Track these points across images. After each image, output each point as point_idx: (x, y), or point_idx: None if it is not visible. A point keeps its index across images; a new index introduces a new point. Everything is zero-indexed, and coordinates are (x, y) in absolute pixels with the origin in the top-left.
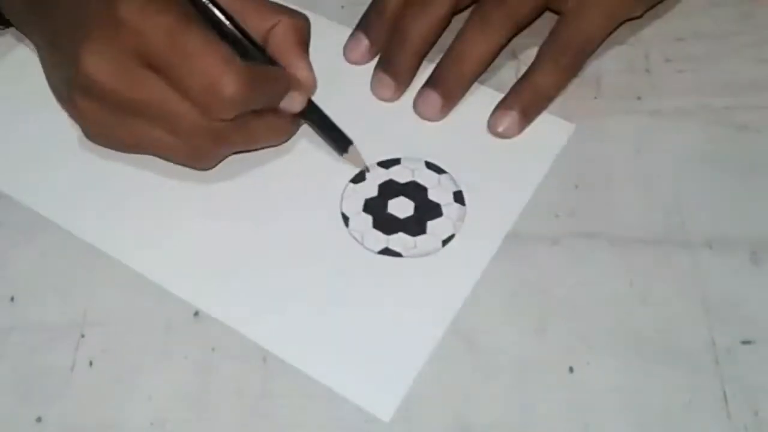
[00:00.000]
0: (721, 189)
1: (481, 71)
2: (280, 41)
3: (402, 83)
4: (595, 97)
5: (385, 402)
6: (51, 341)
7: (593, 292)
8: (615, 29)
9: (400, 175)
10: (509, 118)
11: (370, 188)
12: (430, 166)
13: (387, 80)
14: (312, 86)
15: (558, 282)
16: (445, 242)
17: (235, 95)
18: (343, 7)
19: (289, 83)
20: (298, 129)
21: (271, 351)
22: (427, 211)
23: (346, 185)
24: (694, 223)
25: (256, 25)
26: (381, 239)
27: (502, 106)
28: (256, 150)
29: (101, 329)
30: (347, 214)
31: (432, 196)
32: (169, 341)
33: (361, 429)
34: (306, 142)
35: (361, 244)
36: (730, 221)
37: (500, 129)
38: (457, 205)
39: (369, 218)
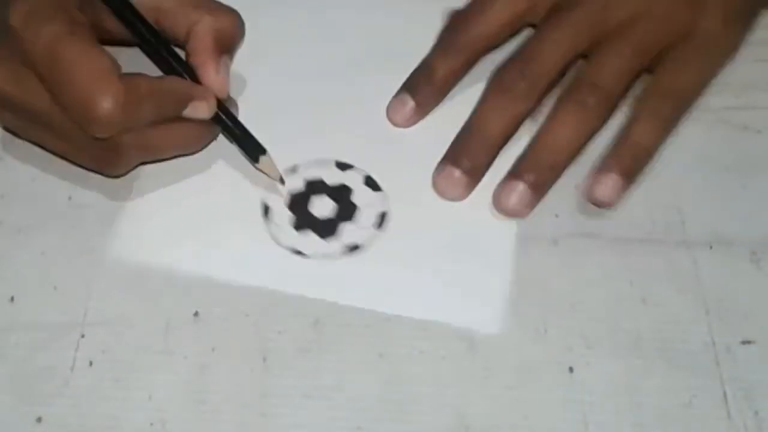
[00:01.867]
0: (721, 189)
1: (572, 162)
2: (196, 42)
3: (475, 182)
4: None
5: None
6: (51, 341)
7: (593, 292)
8: (716, 75)
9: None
10: (611, 183)
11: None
12: (369, 182)
13: (459, 176)
14: (221, 92)
15: (558, 282)
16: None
17: (109, 114)
18: None
19: (191, 92)
20: (216, 133)
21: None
22: (345, 213)
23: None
24: (694, 223)
25: (179, 22)
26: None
27: (599, 170)
28: (170, 158)
29: (101, 329)
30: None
31: (354, 199)
32: (169, 341)
33: (361, 428)
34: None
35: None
36: (730, 221)
37: (599, 196)
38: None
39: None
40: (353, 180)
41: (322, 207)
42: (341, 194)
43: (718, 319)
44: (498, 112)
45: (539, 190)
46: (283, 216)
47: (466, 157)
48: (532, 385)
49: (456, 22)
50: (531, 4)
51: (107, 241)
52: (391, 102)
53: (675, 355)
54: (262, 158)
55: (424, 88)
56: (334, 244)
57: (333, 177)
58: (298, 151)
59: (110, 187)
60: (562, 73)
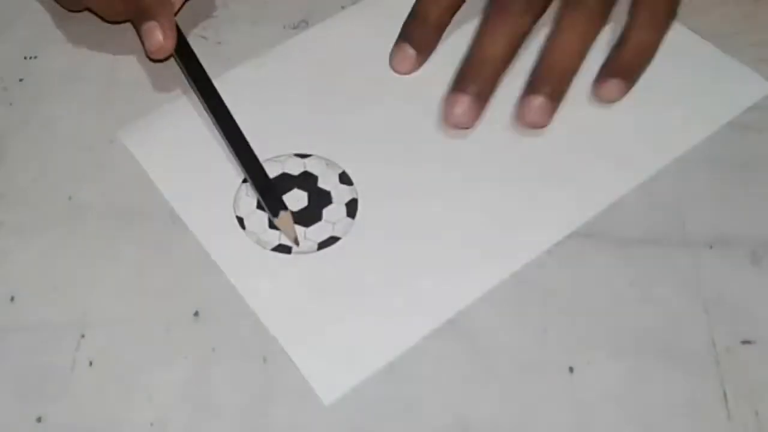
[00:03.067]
0: (721, 189)
1: (580, 66)
2: None
3: (483, 105)
4: None
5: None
6: (51, 341)
7: (593, 292)
8: None
9: (293, 167)
10: (614, 86)
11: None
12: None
13: (468, 102)
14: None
15: (558, 282)
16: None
17: None
18: (343, 7)
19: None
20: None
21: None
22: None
23: (239, 186)
24: (694, 223)
25: None
26: (275, 236)
27: (603, 72)
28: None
29: (101, 329)
30: (241, 216)
31: (322, 184)
32: (169, 341)
33: (360, 428)
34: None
35: (258, 244)
36: (730, 221)
37: (606, 96)
38: (344, 186)
39: (264, 217)
40: (340, 196)
41: (296, 200)
42: (319, 201)
43: (718, 319)
44: (500, 33)
45: (556, 98)
46: (259, 222)
47: (473, 82)
48: (532, 385)
49: None
50: None
51: None
52: (392, 52)
53: (675, 355)
54: (282, 214)
55: (420, 33)
56: (273, 234)
57: (295, 167)
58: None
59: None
60: None
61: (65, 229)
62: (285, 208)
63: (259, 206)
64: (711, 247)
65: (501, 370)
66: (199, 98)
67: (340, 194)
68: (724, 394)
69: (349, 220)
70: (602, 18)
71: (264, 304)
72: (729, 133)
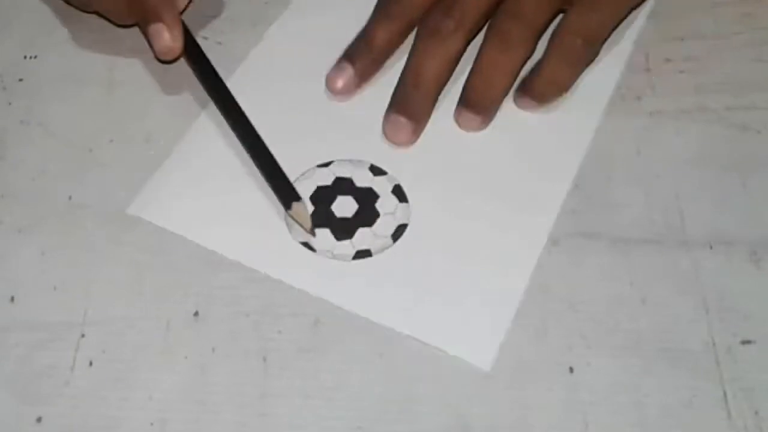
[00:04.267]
0: (721, 189)
1: (510, 87)
2: None
3: (421, 125)
4: None
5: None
6: (51, 341)
7: (593, 292)
8: (625, 16)
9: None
10: (527, 104)
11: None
12: (396, 190)
13: (404, 122)
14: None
15: (558, 282)
16: (395, 237)
17: None
18: None
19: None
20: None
21: None
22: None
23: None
24: (694, 223)
25: None
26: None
27: (518, 91)
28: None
29: (101, 329)
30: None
31: (359, 183)
32: (169, 341)
33: (361, 428)
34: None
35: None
36: (730, 221)
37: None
38: (403, 205)
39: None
40: (382, 186)
41: (345, 207)
42: (366, 198)
43: (718, 319)
44: (431, 56)
45: (486, 113)
46: (325, 240)
47: (408, 104)
48: (532, 385)
49: None
50: None
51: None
52: (330, 70)
53: (675, 355)
54: (295, 205)
55: (363, 55)
56: (346, 246)
57: (363, 180)
58: (334, 148)
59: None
60: (486, 14)
61: (65, 229)
62: (298, 198)
63: (317, 226)
64: (711, 247)
65: (501, 370)
66: (211, 97)
67: (381, 185)
68: (724, 394)
69: (405, 204)
70: (525, 48)
71: (376, 308)
72: (729, 133)
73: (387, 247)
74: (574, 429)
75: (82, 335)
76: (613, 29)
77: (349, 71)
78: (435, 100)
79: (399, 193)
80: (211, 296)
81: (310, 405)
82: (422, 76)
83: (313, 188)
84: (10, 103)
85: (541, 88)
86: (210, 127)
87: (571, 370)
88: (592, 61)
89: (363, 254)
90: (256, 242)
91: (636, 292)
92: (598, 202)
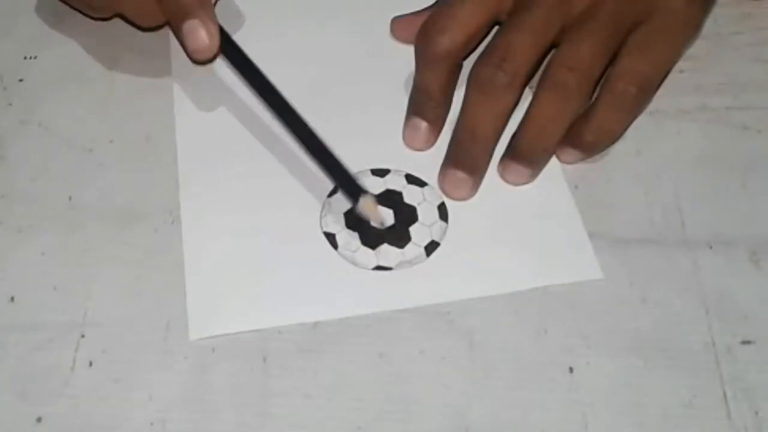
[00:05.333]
0: (721, 189)
1: (560, 137)
2: None
3: (480, 179)
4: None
5: (202, 325)
6: (51, 341)
7: (593, 292)
8: (679, 58)
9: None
10: (572, 155)
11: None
12: (409, 177)
13: (463, 177)
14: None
15: (558, 282)
16: (428, 251)
17: None
18: None
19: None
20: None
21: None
22: (406, 214)
23: (324, 200)
24: (694, 223)
25: None
26: (370, 257)
27: (564, 142)
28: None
29: (101, 329)
30: (332, 231)
31: (407, 198)
32: (169, 341)
33: (361, 428)
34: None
35: (353, 263)
36: (730, 221)
37: (563, 161)
38: (442, 223)
39: (355, 235)
40: (396, 183)
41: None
42: (392, 199)
43: (718, 319)
44: (486, 111)
45: (536, 167)
46: (351, 240)
47: (466, 159)
48: (532, 385)
49: (425, 33)
50: (498, 2)
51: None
52: (404, 130)
53: (675, 355)
54: (362, 198)
55: (428, 106)
56: (414, 249)
57: (375, 186)
58: (388, 155)
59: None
60: (538, 63)
61: (65, 229)
62: (365, 191)
63: (349, 225)
64: (711, 247)
65: (501, 370)
66: (257, 97)
67: (425, 201)
68: (724, 394)
69: (444, 223)
70: (581, 98)
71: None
72: (729, 133)
73: (445, 230)
74: (574, 429)
75: (82, 335)
76: (667, 74)
77: (423, 126)
78: (492, 154)
79: (415, 180)
80: None
81: (310, 405)
82: (478, 131)
83: (341, 218)
84: (10, 104)
85: (590, 138)
86: (199, 195)
87: (571, 370)
88: (644, 109)
89: (433, 246)
90: (330, 292)
91: (636, 292)
92: (598, 202)
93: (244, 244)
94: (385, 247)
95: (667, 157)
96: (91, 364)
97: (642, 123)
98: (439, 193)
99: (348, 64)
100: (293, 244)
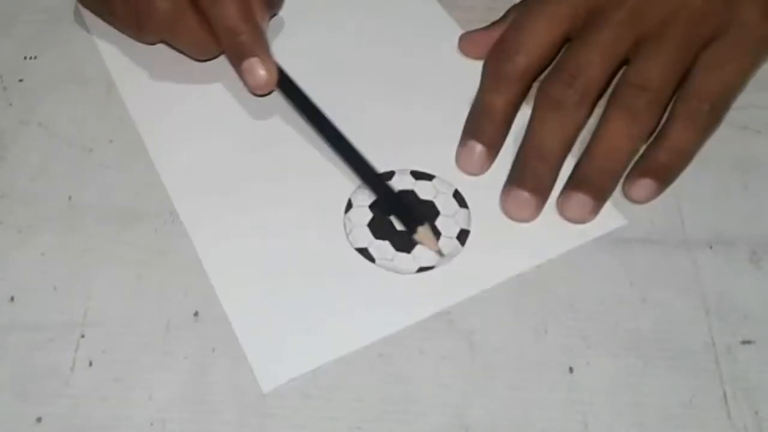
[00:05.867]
0: (721, 189)
1: (630, 164)
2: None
3: (544, 200)
4: None
5: (272, 375)
6: (51, 341)
7: (593, 292)
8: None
9: (423, 190)
10: (645, 187)
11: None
12: (456, 195)
13: (528, 198)
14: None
15: (558, 282)
16: (420, 270)
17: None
18: None
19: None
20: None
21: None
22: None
23: (343, 218)
24: (694, 223)
25: None
26: (366, 238)
27: (635, 171)
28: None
29: (101, 329)
30: (353, 201)
31: (439, 223)
32: (169, 341)
33: (361, 428)
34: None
35: (346, 235)
36: (730, 221)
37: (634, 197)
38: (456, 243)
39: (368, 215)
40: (404, 182)
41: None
42: (407, 199)
43: (718, 319)
44: (555, 130)
45: (601, 197)
46: (385, 249)
47: (532, 179)
48: (532, 385)
49: (500, 52)
50: (571, 20)
51: None
52: (458, 151)
53: (675, 355)
54: (420, 229)
55: (487, 128)
56: (448, 243)
57: (426, 192)
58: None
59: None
60: (608, 81)
61: (65, 229)
62: (422, 222)
63: (377, 236)
64: (711, 247)
65: (501, 370)
66: (310, 125)
67: (442, 196)
68: (724, 394)
69: (465, 210)
70: (651, 119)
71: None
72: (729, 133)
73: (456, 254)
74: (574, 429)
75: (82, 335)
76: (743, 86)
77: (478, 149)
78: (558, 174)
79: (459, 198)
80: (211, 296)
81: (310, 405)
82: (546, 150)
83: (372, 199)
84: (10, 104)
85: (664, 159)
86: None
87: (571, 370)
88: (717, 128)
89: (426, 269)
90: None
91: (636, 292)
92: None
93: (279, 280)
94: (419, 249)
95: None
96: (91, 364)
97: None
98: (449, 181)
99: (344, 62)
100: (327, 268)
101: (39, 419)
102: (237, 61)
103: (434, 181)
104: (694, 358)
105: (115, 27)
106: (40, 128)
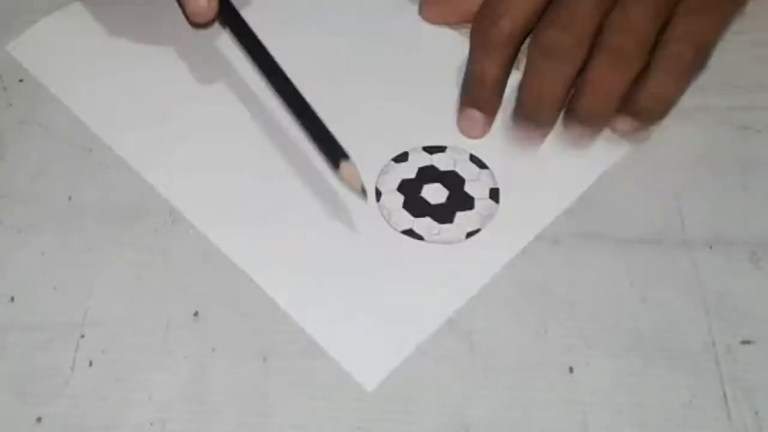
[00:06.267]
0: (721, 189)
1: (617, 106)
2: None
3: (546, 133)
4: None
5: (372, 372)
6: (51, 341)
7: (593, 292)
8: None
9: (441, 162)
10: (625, 126)
11: (409, 169)
12: (473, 159)
13: (534, 132)
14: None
15: (558, 282)
16: (469, 235)
17: None
18: None
19: None
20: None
21: (280, 303)
22: (459, 201)
23: (388, 162)
24: (694, 223)
25: None
26: (407, 219)
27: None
28: None
29: (101, 329)
30: (380, 189)
31: (468, 188)
32: (169, 341)
33: (361, 428)
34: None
35: (387, 221)
36: (730, 221)
37: (617, 128)
38: (490, 202)
39: (400, 197)
40: (462, 164)
41: (436, 193)
42: (453, 182)
43: (718, 319)
44: (552, 79)
45: (593, 133)
46: (429, 225)
47: (532, 124)
48: (532, 385)
49: (484, 18)
50: None
51: None
52: (458, 119)
53: (675, 355)
54: (344, 164)
55: (482, 95)
56: (452, 230)
57: (444, 164)
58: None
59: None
60: (599, 27)
61: (65, 229)
62: (346, 156)
63: (399, 189)
64: (711, 247)
65: (501, 370)
66: (252, 64)
67: (466, 166)
68: (724, 394)
69: (486, 170)
70: (638, 61)
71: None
72: (729, 133)
73: (494, 213)
74: (574, 429)
75: (82, 335)
76: (721, 36)
77: (477, 116)
78: (558, 115)
79: (477, 161)
80: (211, 296)
81: (310, 405)
82: (546, 96)
83: (398, 182)
84: (10, 104)
85: (645, 104)
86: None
87: (571, 370)
88: (700, 73)
89: (474, 233)
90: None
91: (636, 292)
92: (598, 202)
93: (339, 281)
94: (460, 217)
95: (667, 157)
96: (91, 364)
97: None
98: (462, 148)
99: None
100: (380, 257)
101: (39, 419)
102: None
103: (448, 151)
104: (694, 358)
105: None
106: (40, 128)
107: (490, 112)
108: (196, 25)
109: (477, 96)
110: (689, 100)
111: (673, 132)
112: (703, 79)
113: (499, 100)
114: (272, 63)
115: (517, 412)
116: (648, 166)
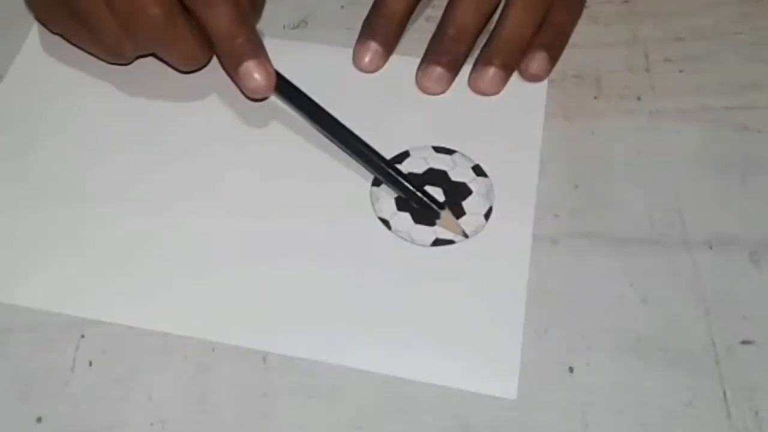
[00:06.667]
0: (721, 189)
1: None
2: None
3: (456, 74)
4: (595, 97)
5: (505, 382)
6: (51, 341)
7: (593, 292)
8: None
9: (414, 166)
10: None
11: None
12: (438, 149)
13: (443, 73)
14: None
15: (558, 282)
16: (487, 216)
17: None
18: (342, 7)
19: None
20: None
21: (360, 368)
22: (456, 192)
23: (370, 190)
24: (694, 223)
25: None
26: (428, 232)
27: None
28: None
29: (101, 329)
30: (383, 217)
31: (454, 176)
32: (169, 341)
33: (361, 428)
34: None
35: (411, 242)
36: (730, 221)
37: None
38: (480, 179)
39: (407, 215)
40: (463, 171)
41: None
42: (458, 192)
43: (718, 319)
44: (475, 10)
45: (509, 70)
46: (406, 220)
47: (449, 57)
48: (532, 385)
49: None
50: None
51: None
52: (354, 49)
53: (675, 355)
54: (443, 213)
55: (382, 28)
56: (425, 232)
57: (459, 175)
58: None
59: None
60: None
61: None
62: (443, 206)
63: (400, 207)
64: (711, 247)
65: None
66: (315, 126)
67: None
68: (724, 394)
69: (485, 179)
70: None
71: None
72: (728, 133)
73: (480, 230)
74: (574, 429)
75: (82, 335)
76: None
77: (372, 46)
78: (470, 51)
79: (478, 170)
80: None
81: (310, 405)
82: (466, 30)
83: (393, 204)
84: None
85: (550, 40)
86: None
87: (571, 370)
88: (582, 7)
89: (443, 242)
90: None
91: (636, 292)
92: (598, 202)
93: (394, 314)
94: (405, 215)
95: (667, 157)
96: (91, 364)
97: (642, 123)
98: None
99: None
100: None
101: (39, 419)
102: (233, 65)
103: (455, 156)
104: (694, 358)
105: (83, 45)
106: None
107: (387, 47)
108: (255, 100)
109: (378, 29)
110: (689, 100)
111: (673, 132)
112: (703, 79)
113: (398, 37)
114: (341, 126)
115: (517, 412)
116: (648, 166)
